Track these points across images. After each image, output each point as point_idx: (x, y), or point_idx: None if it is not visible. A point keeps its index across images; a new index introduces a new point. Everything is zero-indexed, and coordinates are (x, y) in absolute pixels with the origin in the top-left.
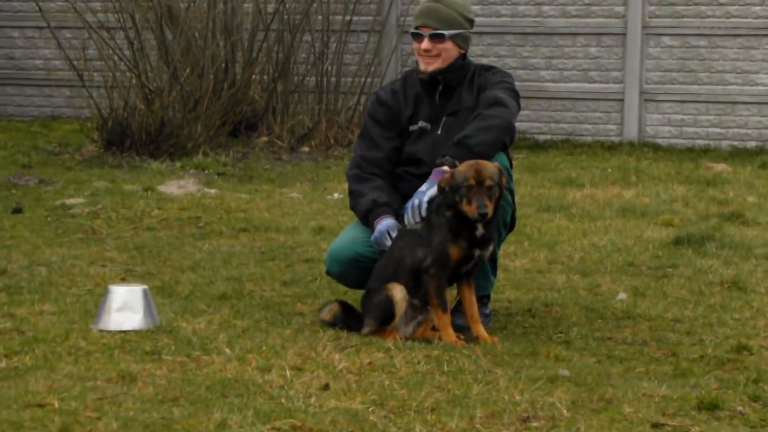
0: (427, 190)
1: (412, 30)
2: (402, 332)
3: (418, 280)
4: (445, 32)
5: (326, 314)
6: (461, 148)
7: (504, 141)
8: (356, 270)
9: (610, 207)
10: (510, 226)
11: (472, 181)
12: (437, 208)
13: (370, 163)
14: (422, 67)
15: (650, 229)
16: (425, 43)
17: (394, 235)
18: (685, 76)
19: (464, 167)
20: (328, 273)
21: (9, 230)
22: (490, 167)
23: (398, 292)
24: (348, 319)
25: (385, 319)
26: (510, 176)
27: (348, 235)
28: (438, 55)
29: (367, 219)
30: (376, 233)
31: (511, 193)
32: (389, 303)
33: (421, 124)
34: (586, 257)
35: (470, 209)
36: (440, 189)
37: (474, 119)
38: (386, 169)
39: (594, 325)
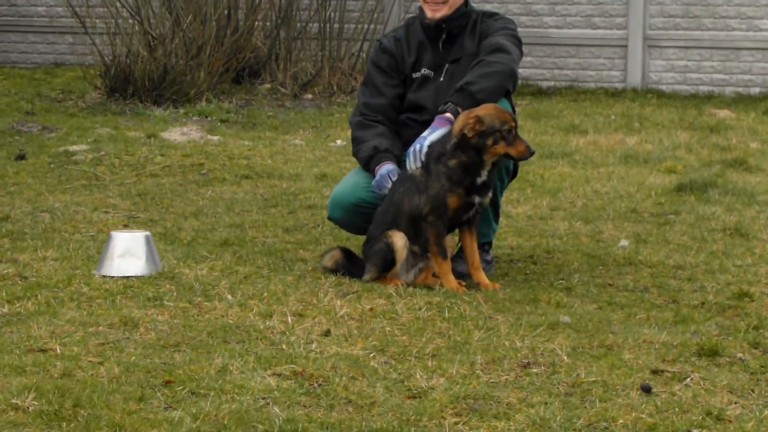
0: (429, 136)
1: None
2: (403, 279)
3: (418, 227)
4: None
5: (328, 261)
6: (463, 94)
7: (506, 87)
8: (358, 216)
9: (613, 153)
10: (512, 174)
11: (513, 123)
12: (438, 156)
13: (373, 110)
14: (429, 14)
15: (653, 176)
16: None
17: (394, 179)
18: (689, 22)
19: (493, 111)
20: (330, 219)
21: (12, 177)
22: None
23: (399, 240)
24: (349, 266)
25: (386, 266)
26: None
27: (350, 180)
28: (445, 2)
29: (368, 165)
30: (377, 177)
31: None
32: (390, 250)
33: (424, 71)
34: (588, 204)
35: (516, 150)
36: (462, 137)
37: (476, 66)
38: (389, 116)
39: (595, 271)
